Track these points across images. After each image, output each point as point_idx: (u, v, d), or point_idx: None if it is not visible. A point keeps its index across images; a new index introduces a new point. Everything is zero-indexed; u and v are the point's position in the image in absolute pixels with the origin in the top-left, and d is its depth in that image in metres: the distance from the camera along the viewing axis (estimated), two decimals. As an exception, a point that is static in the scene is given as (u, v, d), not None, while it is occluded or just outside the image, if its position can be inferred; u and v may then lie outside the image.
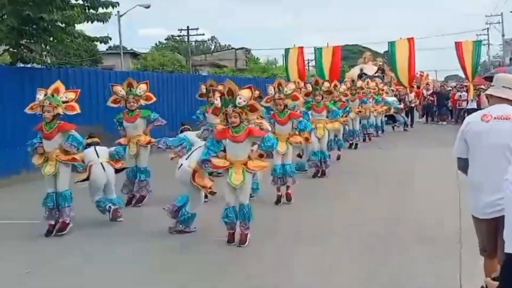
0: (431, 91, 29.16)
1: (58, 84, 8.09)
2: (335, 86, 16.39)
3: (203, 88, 12.92)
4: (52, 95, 7.83)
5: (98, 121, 14.26)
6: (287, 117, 9.70)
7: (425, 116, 29.10)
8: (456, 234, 7.16)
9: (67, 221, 7.85)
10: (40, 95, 7.88)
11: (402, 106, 23.82)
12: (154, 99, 10.07)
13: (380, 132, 20.77)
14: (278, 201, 9.59)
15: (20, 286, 6.07)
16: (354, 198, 9.79)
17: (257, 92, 7.66)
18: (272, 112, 9.94)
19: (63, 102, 7.86)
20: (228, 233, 7.19)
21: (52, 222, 7.85)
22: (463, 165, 4.64)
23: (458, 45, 25.01)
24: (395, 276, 5.94)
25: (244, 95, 7.09)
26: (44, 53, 15.25)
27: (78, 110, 8.05)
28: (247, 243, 7.10)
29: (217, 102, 7.35)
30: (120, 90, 9.72)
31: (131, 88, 9.70)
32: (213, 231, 7.64)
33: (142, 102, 9.82)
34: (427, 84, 31.20)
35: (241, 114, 7.05)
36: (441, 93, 28.60)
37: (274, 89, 9.83)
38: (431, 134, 21.91)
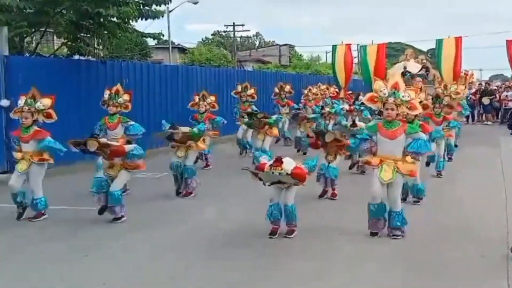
0: (473, 90, 28.80)
1: (34, 90, 8.48)
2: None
3: (238, 87, 15.80)
4: (32, 101, 8.31)
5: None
6: None
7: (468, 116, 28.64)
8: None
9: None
10: (21, 101, 8.41)
11: None
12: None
13: None
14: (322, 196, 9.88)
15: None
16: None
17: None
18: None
19: (40, 110, 8.32)
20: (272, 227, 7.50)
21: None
22: None
23: (509, 43, 24.52)
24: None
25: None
26: (99, 46, 15.92)
27: (55, 118, 8.49)
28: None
29: None
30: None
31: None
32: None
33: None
34: (470, 83, 30.78)
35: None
36: (485, 92, 28.25)
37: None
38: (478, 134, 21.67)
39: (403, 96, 7.34)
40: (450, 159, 13.73)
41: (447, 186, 11.27)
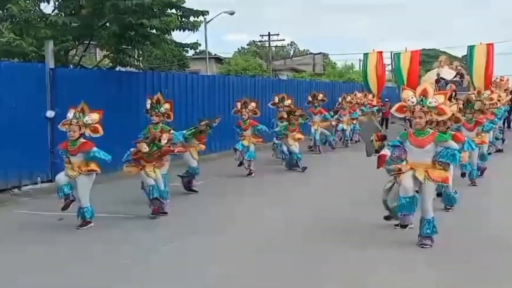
0: (509, 97, 28.54)
1: (83, 105, 8.70)
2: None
3: (275, 98, 16.24)
4: (81, 115, 8.55)
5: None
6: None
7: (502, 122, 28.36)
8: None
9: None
10: (70, 113, 8.65)
11: None
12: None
13: None
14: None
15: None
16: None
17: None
18: None
19: (87, 124, 8.57)
20: None
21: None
22: None
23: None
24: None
25: None
26: (140, 58, 16.45)
27: (101, 132, 8.73)
28: None
29: None
30: None
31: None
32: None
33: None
34: (506, 89, 30.48)
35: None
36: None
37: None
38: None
39: (429, 103, 7.27)
40: (481, 173, 12.65)
41: (481, 194, 11.14)
